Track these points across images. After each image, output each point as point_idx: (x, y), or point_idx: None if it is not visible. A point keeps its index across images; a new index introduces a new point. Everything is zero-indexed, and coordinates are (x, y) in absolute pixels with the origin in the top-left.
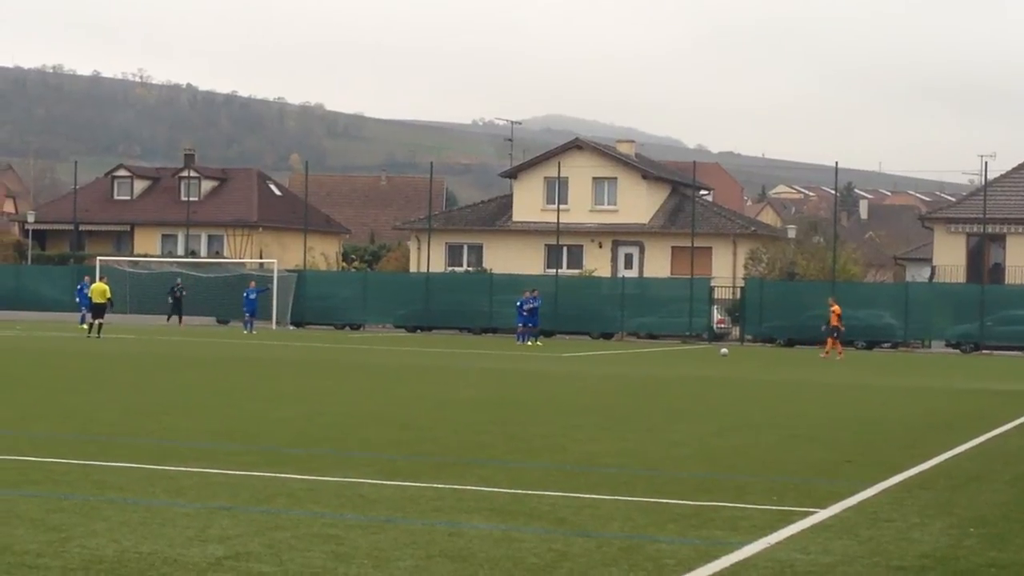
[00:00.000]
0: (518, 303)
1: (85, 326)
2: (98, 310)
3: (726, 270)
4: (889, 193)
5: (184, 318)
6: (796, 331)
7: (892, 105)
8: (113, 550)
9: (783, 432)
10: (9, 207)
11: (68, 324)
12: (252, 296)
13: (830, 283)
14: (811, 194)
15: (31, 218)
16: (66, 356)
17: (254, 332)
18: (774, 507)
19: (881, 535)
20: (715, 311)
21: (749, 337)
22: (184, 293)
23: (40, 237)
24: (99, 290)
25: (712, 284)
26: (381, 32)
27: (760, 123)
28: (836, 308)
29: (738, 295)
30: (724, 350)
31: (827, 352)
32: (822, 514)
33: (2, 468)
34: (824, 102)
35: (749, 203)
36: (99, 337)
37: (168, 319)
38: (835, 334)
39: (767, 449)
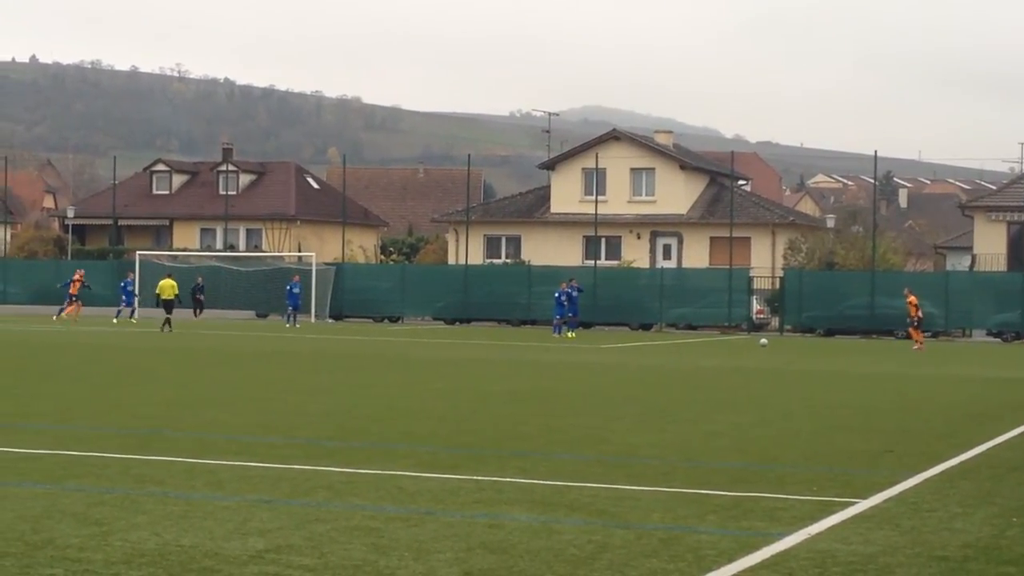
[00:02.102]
0: (556, 294)
1: (115, 320)
2: (167, 306)
3: (765, 260)
4: (929, 181)
5: (224, 311)
6: (835, 321)
7: (931, 93)
8: (154, 543)
9: (823, 422)
10: (49, 202)
11: (109, 318)
12: (296, 290)
13: (869, 272)
14: (850, 183)
15: (71, 213)
16: (106, 350)
17: (297, 326)
18: (814, 497)
19: (923, 525)
20: (754, 301)
21: (788, 327)
22: (203, 295)
23: (80, 232)
24: (168, 286)
25: (751, 274)
26: (418, 24)
27: (798, 112)
28: (912, 298)
29: (777, 285)
30: (764, 340)
31: (919, 344)
32: (863, 504)
33: (45, 462)
34: (863, 90)
35: (788, 193)
36: (170, 331)
37: (196, 315)
38: (916, 324)
39: (807, 439)
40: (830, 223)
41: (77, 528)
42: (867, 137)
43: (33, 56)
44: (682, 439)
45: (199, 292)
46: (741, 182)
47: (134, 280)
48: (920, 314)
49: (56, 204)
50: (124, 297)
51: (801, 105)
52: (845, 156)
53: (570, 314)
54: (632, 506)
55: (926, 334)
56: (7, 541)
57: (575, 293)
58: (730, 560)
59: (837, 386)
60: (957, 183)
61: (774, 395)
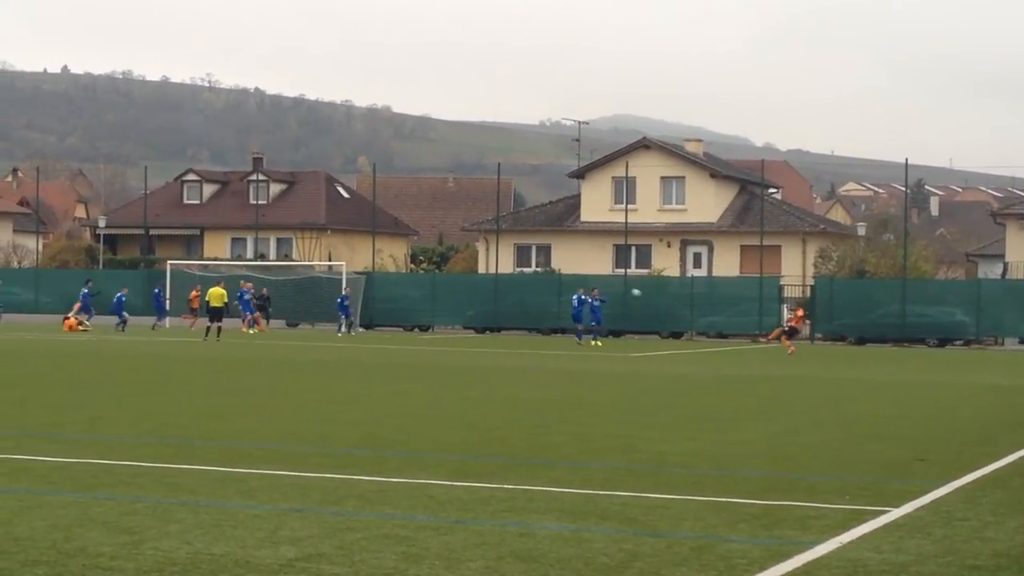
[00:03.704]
0: (573, 298)
1: (153, 328)
2: (215, 314)
3: (796, 268)
4: (960, 189)
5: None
6: (866, 329)
7: (963, 100)
8: (186, 552)
9: (854, 430)
10: (81, 212)
11: (140, 327)
12: (346, 302)
13: (901, 281)
14: (881, 191)
15: (102, 223)
16: (138, 359)
17: (352, 333)
18: (846, 506)
19: (955, 534)
20: (785, 310)
21: (819, 335)
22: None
23: (111, 241)
24: (216, 294)
25: (781, 283)
26: (448, 33)
27: (829, 120)
28: (800, 312)
29: (808, 293)
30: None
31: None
32: (894, 513)
33: (76, 471)
34: (894, 98)
35: (818, 201)
36: (218, 341)
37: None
38: (788, 331)
39: (838, 448)
40: (861, 231)
41: (109, 536)
42: (898, 145)
43: (65, 67)
44: (713, 447)
45: (267, 302)
46: (771, 190)
47: (164, 289)
48: (794, 326)
49: (88, 214)
50: (157, 306)
51: (832, 113)
52: (876, 164)
53: (593, 323)
54: (663, 515)
55: (957, 342)
56: (40, 549)
57: (597, 303)
58: (761, 569)
59: (868, 394)
60: (989, 191)
61: (805, 403)
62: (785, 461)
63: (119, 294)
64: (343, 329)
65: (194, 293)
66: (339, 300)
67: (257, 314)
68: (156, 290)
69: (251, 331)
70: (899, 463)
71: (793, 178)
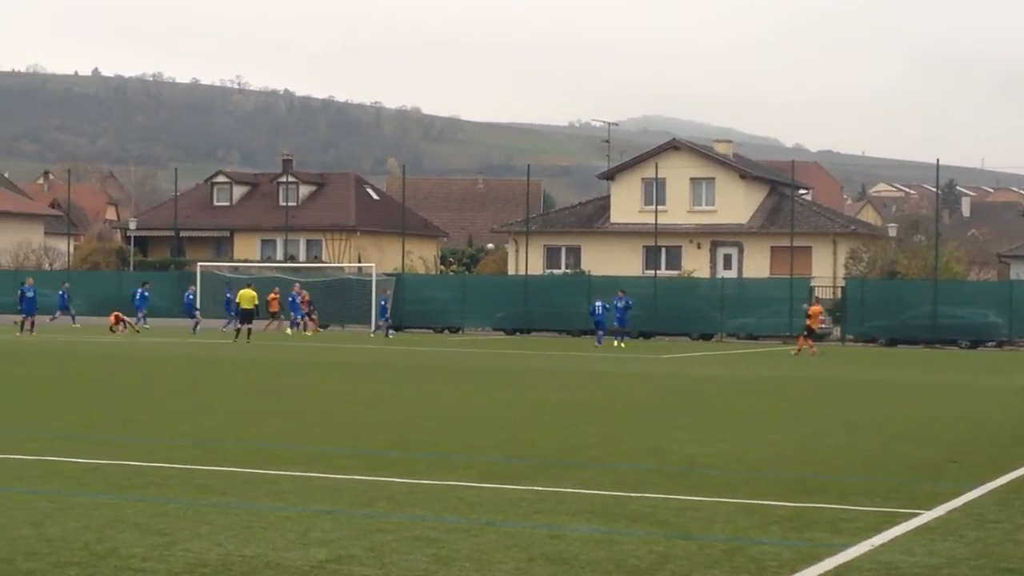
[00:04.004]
0: (595, 305)
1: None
2: (246, 316)
3: (826, 270)
4: (992, 190)
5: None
6: (898, 330)
7: (994, 100)
8: (217, 554)
9: (886, 432)
10: (111, 214)
11: (170, 329)
12: (384, 303)
13: (932, 282)
14: (912, 192)
15: (133, 225)
16: (169, 361)
17: (390, 336)
18: (877, 508)
19: (987, 537)
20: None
21: (850, 337)
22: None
23: (142, 243)
24: (247, 296)
25: (812, 284)
26: (476, 34)
27: (859, 121)
28: (816, 308)
29: (839, 295)
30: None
31: (812, 349)
32: (926, 515)
33: (107, 473)
34: (925, 98)
35: (849, 202)
36: (248, 342)
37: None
38: (807, 333)
39: (869, 450)
40: (892, 232)
41: (140, 538)
42: (929, 145)
43: (95, 69)
44: (744, 449)
45: (312, 306)
46: (802, 191)
47: (195, 293)
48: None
49: (118, 216)
50: (188, 308)
51: (862, 114)
52: (907, 165)
53: (617, 324)
54: (693, 516)
55: (989, 344)
56: (72, 550)
57: (622, 304)
58: (792, 571)
59: (900, 396)
60: (1021, 191)
61: (836, 405)
62: (816, 463)
63: (187, 293)
64: (381, 332)
65: (273, 295)
66: (382, 303)
67: (305, 318)
68: (187, 294)
69: (290, 331)
70: (931, 465)
71: (824, 179)
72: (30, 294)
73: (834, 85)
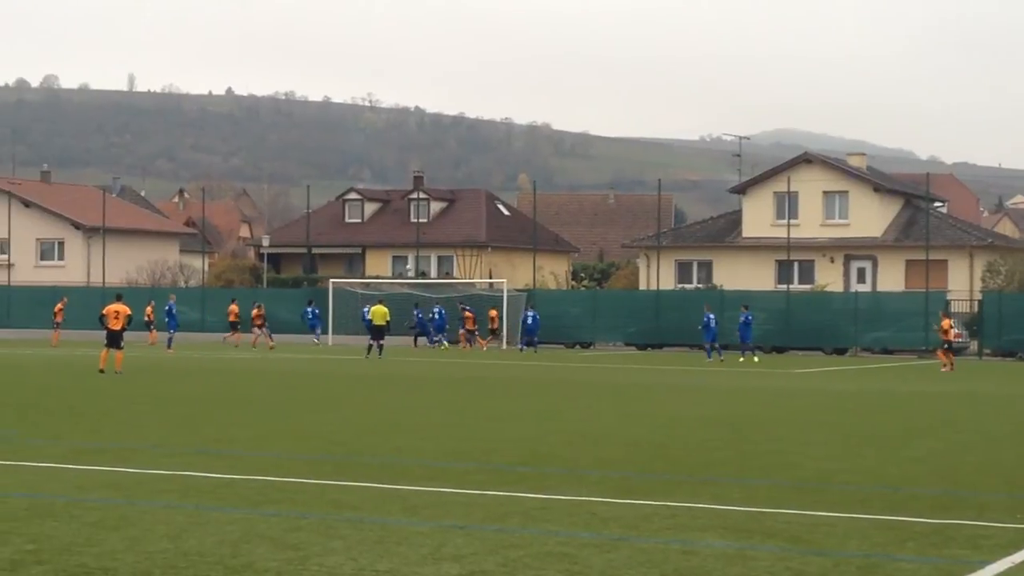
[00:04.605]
0: (705, 319)
1: (318, 342)
2: (377, 332)
3: (963, 283)
4: None
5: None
6: None
7: None
8: (350, 568)
9: None
10: (245, 232)
11: (303, 346)
12: (530, 321)
13: None
14: None
15: (266, 242)
16: (301, 376)
17: (535, 351)
18: (1018, 525)
19: None
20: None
21: (987, 351)
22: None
23: (275, 260)
24: (379, 312)
25: (948, 298)
26: (606, 50)
27: (996, 132)
28: (945, 322)
29: (975, 308)
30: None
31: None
32: None
33: (243, 487)
34: None
35: (985, 214)
36: (380, 357)
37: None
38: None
39: (1009, 465)
40: None
41: (275, 552)
42: None
43: (229, 89)
44: (879, 465)
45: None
46: (937, 204)
47: (312, 308)
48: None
49: (251, 233)
50: (311, 323)
51: (998, 125)
52: None
53: (741, 340)
54: (828, 533)
55: None
56: (208, 565)
57: (742, 319)
58: None
59: None
60: None
61: (975, 420)
62: (954, 479)
63: (308, 309)
64: (522, 347)
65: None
66: (533, 318)
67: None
68: (308, 309)
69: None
70: None
71: (959, 191)
72: (174, 311)
73: (970, 97)
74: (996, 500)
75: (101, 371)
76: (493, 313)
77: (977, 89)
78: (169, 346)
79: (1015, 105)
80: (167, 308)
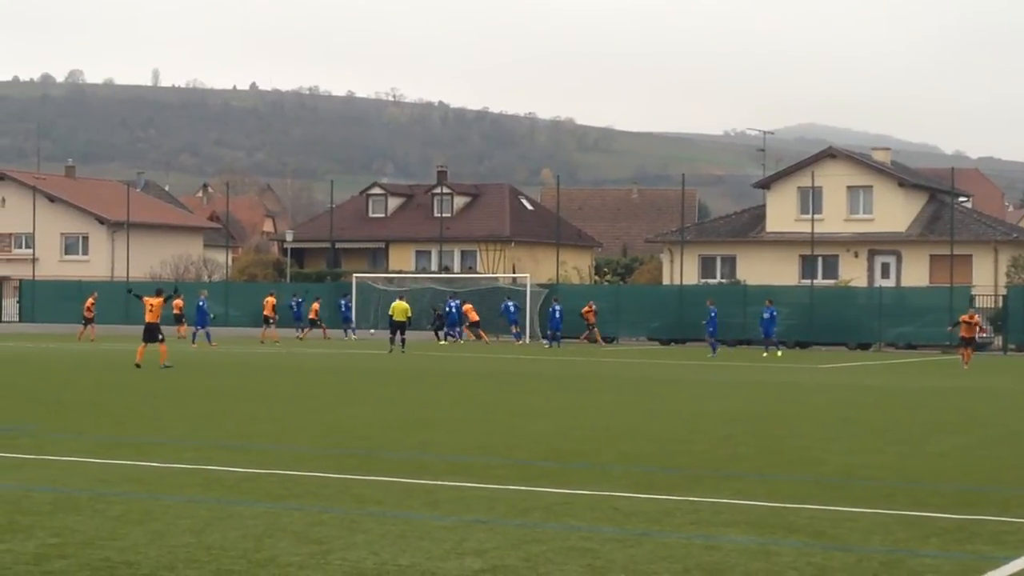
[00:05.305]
0: (711, 314)
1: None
2: (399, 327)
3: (987, 278)
4: None
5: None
6: None
7: None
8: (373, 562)
9: None
10: (268, 226)
11: (327, 340)
12: (557, 315)
13: None
14: None
15: (289, 237)
16: (323, 372)
17: (559, 346)
18: None
19: None
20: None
21: (1012, 346)
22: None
23: (298, 255)
24: (400, 308)
25: (973, 293)
26: (629, 44)
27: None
28: (974, 318)
29: (1000, 303)
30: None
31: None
32: None
33: (267, 482)
34: None
35: (1011, 209)
36: (403, 352)
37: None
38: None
39: None
40: None
41: (298, 547)
42: None
43: (253, 84)
44: (902, 460)
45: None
46: (962, 199)
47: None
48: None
49: (275, 228)
50: (344, 317)
51: None
52: None
53: (763, 335)
54: (851, 528)
55: None
56: (232, 558)
57: (766, 315)
58: None
59: None
60: None
61: (999, 416)
62: (978, 474)
63: (341, 301)
64: (552, 343)
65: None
66: (559, 312)
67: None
68: (341, 302)
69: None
70: None
71: (984, 186)
72: (204, 306)
73: (994, 90)
74: (1019, 496)
75: (137, 366)
76: (468, 307)
77: (1003, 83)
78: (193, 341)
79: None
80: (199, 304)
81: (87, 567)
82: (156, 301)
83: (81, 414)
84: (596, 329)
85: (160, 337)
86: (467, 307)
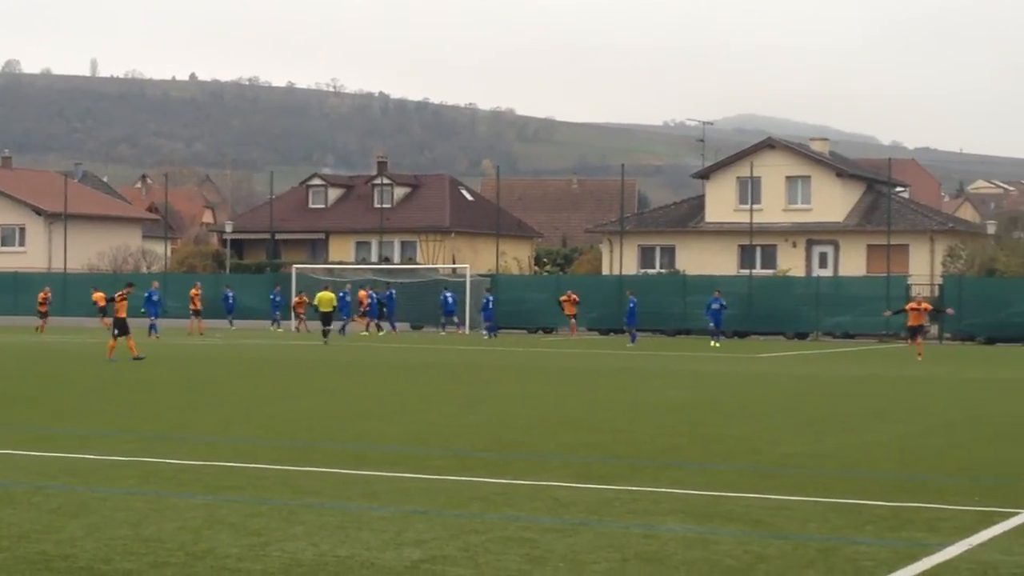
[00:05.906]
0: (631, 304)
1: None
2: (325, 318)
3: (923, 268)
4: None
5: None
6: (997, 328)
7: None
8: (312, 554)
9: (984, 432)
10: (208, 217)
11: (268, 331)
12: (491, 305)
13: None
14: (1011, 188)
15: (229, 228)
16: (260, 363)
17: (494, 336)
18: (975, 508)
19: None
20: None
21: (948, 335)
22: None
23: (238, 246)
24: (326, 299)
25: (909, 282)
26: (570, 35)
27: (957, 117)
28: (924, 306)
29: (936, 293)
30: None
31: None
32: None
33: (205, 473)
34: None
35: (947, 199)
36: (325, 343)
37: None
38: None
39: (968, 449)
40: (990, 229)
41: (236, 538)
42: None
43: (192, 74)
44: (839, 449)
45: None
46: (899, 189)
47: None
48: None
49: (215, 219)
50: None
51: (960, 110)
52: (1005, 161)
53: (712, 325)
54: (788, 516)
55: None
56: (168, 551)
57: (716, 305)
58: (889, 571)
59: (1000, 395)
60: None
61: (934, 404)
62: (913, 462)
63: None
64: (485, 333)
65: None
66: (485, 302)
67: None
68: (272, 293)
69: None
70: None
71: (921, 176)
72: (155, 298)
73: (931, 82)
74: (954, 484)
75: (111, 360)
76: (362, 294)
77: (939, 75)
78: (149, 334)
79: (976, 91)
80: (147, 295)
81: (23, 560)
82: (121, 294)
83: (18, 406)
84: (574, 320)
85: (129, 330)
86: (361, 293)
